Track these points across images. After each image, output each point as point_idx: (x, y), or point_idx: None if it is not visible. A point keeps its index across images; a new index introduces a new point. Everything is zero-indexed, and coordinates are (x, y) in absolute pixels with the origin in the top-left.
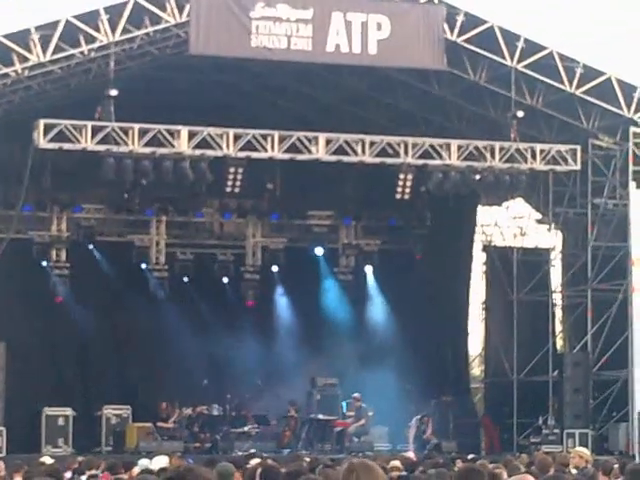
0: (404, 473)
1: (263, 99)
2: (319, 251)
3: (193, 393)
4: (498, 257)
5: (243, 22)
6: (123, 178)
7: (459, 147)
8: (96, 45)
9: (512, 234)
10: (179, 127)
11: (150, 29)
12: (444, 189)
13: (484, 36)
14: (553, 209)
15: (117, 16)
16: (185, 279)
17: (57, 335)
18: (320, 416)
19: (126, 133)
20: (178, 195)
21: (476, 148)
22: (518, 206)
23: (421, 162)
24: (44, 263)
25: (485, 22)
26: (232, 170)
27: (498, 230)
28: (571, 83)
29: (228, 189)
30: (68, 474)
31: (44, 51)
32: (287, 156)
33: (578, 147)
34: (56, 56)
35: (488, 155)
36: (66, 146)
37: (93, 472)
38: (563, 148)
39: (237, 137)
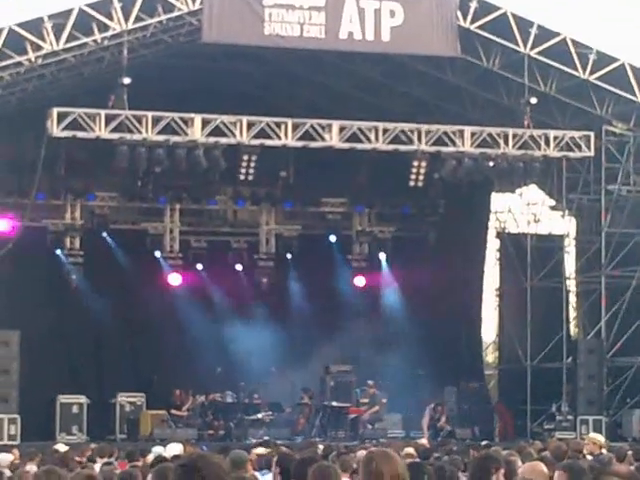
0: (417, 460)
1: (276, 87)
2: (333, 238)
3: (207, 381)
4: (512, 244)
5: (256, 10)
6: (137, 166)
7: (472, 134)
8: (109, 33)
9: (526, 221)
10: (192, 115)
11: (163, 17)
12: (458, 176)
13: (497, 23)
14: (567, 195)
15: (130, 4)
16: (199, 267)
17: (71, 323)
18: (334, 403)
19: (139, 121)
20: (192, 183)
21: (489, 135)
22: (532, 193)
23: (434, 149)
24: (58, 251)
25: (498, 9)
26: (245, 158)
27: (512, 217)
28: (584, 69)
29: (242, 177)
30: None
31: (57, 40)
32: (300, 143)
33: (592, 133)
34: (69, 44)
35: (502, 142)
36: (80, 134)
37: (106, 460)
38: (577, 134)
39: (250, 125)
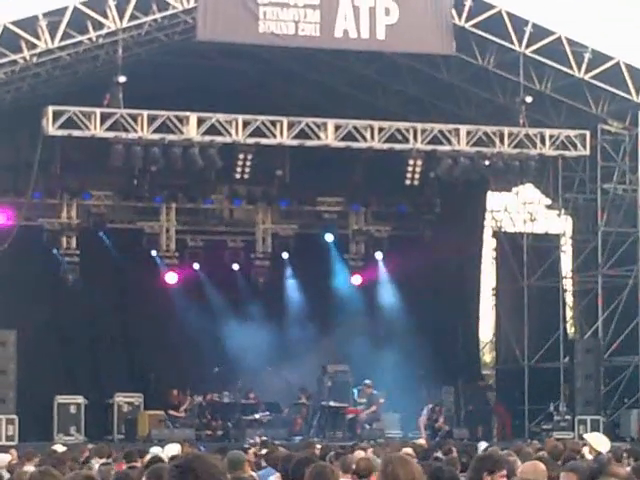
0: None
1: (271, 85)
2: (329, 237)
3: (204, 381)
4: (508, 243)
5: (250, 8)
6: (132, 165)
7: (468, 133)
8: (104, 32)
9: (522, 220)
10: (188, 113)
11: (158, 15)
12: (453, 175)
13: (492, 21)
14: (563, 194)
15: (125, 2)
16: (195, 266)
17: (68, 323)
18: (331, 403)
19: (135, 120)
20: (187, 182)
21: (485, 134)
22: (528, 192)
23: (430, 148)
24: (54, 250)
25: (493, 7)
26: (241, 156)
27: (508, 216)
28: (580, 68)
29: (237, 175)
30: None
31: (52, 38)
32: (296, 142)
33: (587, 132)
34: (64, 43)
35: (497, 141)
36: (75, 133)
37: (104, 460)
38: (572, 133)
39: (246, 123)
